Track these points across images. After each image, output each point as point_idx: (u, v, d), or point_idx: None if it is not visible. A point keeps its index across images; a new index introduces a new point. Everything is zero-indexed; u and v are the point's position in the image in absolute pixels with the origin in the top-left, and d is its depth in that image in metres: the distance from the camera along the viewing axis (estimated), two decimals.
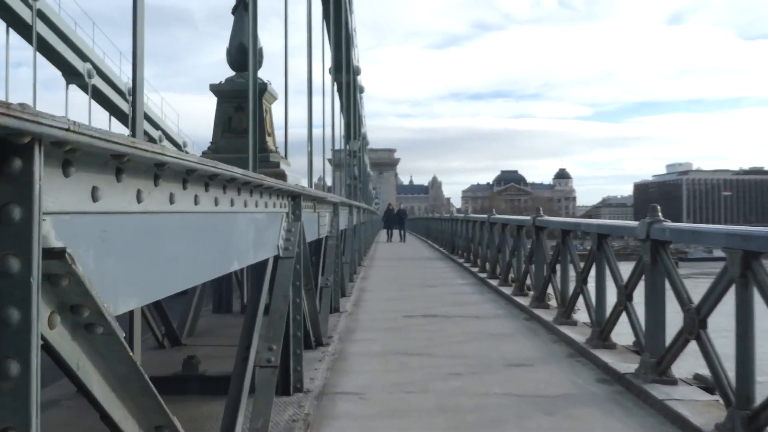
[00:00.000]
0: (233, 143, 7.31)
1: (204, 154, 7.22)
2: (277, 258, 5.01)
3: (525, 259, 10.53)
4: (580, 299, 7.70)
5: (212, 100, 7.58)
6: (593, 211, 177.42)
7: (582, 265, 7.74)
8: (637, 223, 5.76)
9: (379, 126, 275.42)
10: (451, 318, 9.38)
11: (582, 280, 7.52)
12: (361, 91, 30.66)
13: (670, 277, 5.29)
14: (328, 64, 21.67)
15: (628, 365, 5.81)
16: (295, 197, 5.54)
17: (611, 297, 6.55)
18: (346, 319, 9.14)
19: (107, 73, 26.50)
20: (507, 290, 11.65)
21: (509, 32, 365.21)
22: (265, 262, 4.69)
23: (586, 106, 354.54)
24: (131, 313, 5.29)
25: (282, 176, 7.10)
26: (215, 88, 7.30)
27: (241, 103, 7.45)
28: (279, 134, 7.95)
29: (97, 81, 25.25)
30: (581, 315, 8.25)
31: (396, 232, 33.58)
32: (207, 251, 3.00)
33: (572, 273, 8.08)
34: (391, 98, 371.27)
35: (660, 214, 5.57)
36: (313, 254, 8.53)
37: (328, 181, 25.20)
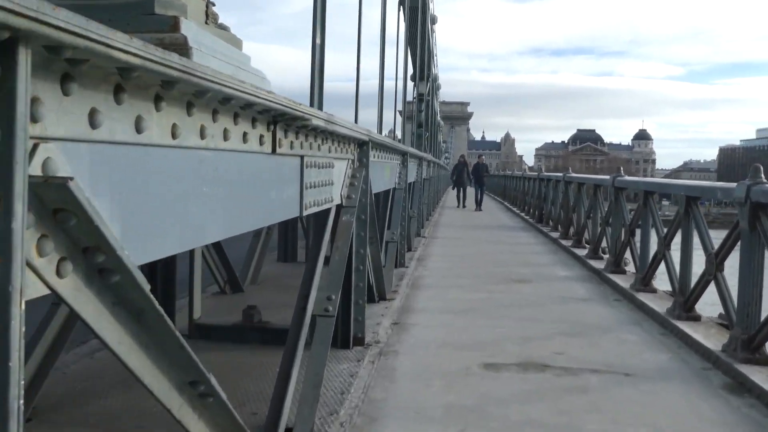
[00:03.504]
0: None
1: None
2: None
3: (712, 257, 5.71)
4: None
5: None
6: (674, 175, 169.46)
7: None
8: None
9: (456, 80, 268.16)
10: (575, 375, 4.79)
11: None
12: (434, 21, 25.59)
13: None
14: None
15: None
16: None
17: None
18: (371, 371, 4.67)
19: None
20: (653, 302, 6.97)
21: None
22: None
23: (676, 65, 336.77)
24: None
25: (180, 49, 2.53)
26: None
27: None
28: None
29: None
30: None
31: (468, 194, 25.56)
32: None
33: None
34: (469, 52, 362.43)
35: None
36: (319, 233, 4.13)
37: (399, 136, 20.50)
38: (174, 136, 1.86)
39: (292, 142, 3.10)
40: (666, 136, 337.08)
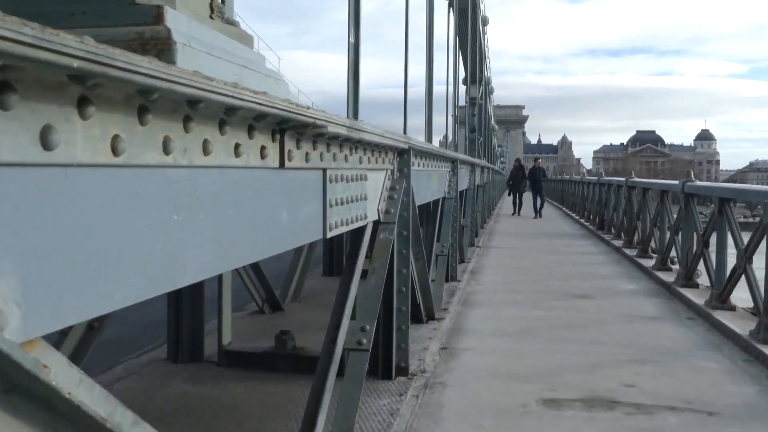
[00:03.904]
0: None
1: None
2: None
3: None
4: None
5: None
6: (739, 176, 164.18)
7: None
8: None
9: (511, 83, 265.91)
10: (650, 414, 4.16)
11: None
12: (485, 23, 24.94)
13: None
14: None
15: None
16: None
17: None
18: (414, 408, 4.13)
19: None
20: (733, 322, 6.26)
21: None
22: None
23: (738, 62, 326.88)
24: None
25: (162, 44, 2.06)
26: None
27: None
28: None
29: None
30: None
31: (525, 200, 23.54)
32: None
33: None
34: (523, 55, 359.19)
35: None
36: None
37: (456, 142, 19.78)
38: (116, 152, 1.39)
39: (307, 154, 2.62)
40: (730, 135, 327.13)
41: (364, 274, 4.13)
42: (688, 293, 7.81)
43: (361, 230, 3.89)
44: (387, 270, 4.33)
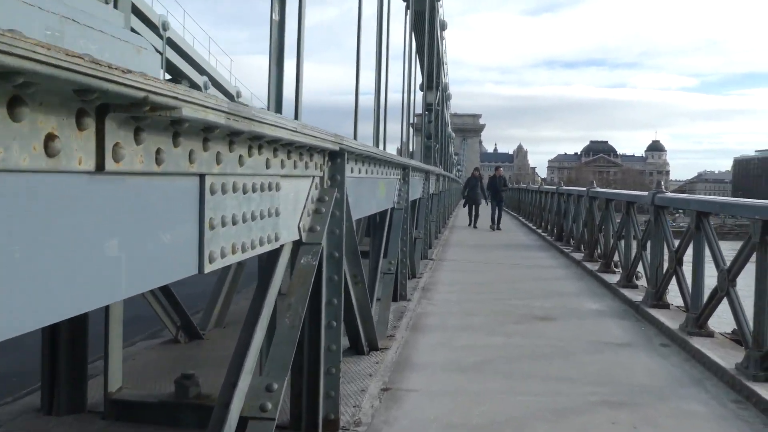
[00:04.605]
0: None
1: None
2: None
3: None
4: None
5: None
6: (688, 186, 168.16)
7: None
8: None
9: (469, 92, 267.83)
10: None
11: None
12: (443, 27, 24.23)
13: None
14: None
15: None
16: None
17: None
18: None
19: (221, 81, 24.71)
20: (713, 352, 5.55)
21: None
22: None
23: (689, 76, 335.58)
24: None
25: None
26: None
27: None
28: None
29: (212, 90, 22.75)
30: None
31: (481, 213, 21.76)
32: None
33: None
34: (480, 65, 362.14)
35: None
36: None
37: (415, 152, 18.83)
38: None
39: (160, 151, 1.72)
40: (680, 147, 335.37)
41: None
42: (658, 315, 7.10)
43: (274, 255, 3.02)
44: (312, 302, 3.46)
